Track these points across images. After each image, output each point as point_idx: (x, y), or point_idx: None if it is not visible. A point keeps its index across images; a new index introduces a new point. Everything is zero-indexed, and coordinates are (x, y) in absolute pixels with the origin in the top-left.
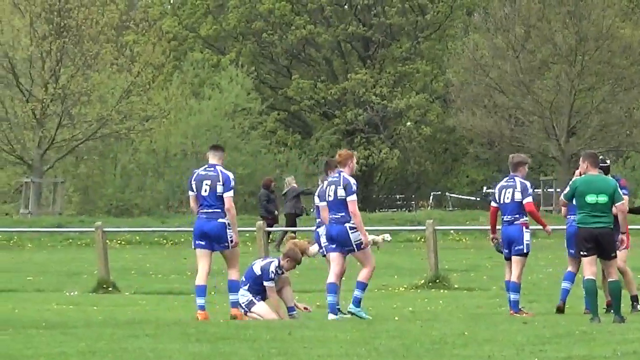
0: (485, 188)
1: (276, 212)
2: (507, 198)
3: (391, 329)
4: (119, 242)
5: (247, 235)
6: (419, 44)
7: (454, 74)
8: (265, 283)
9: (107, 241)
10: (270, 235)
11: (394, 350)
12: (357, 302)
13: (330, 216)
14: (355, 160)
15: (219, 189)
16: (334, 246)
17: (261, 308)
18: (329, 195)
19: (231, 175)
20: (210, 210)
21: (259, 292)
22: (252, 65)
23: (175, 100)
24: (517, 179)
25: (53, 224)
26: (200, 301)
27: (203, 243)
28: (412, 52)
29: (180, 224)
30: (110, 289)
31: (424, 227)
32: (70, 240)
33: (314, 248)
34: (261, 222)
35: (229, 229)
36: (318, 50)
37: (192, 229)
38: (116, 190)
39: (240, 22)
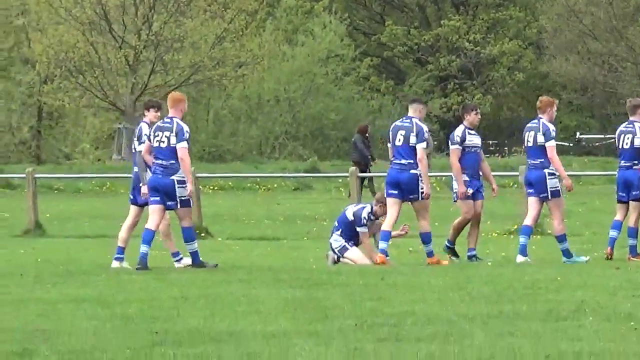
0: (578, 134)
1: (370, 158)
2: (627, 144)
3: (484, 274)
4: (211, 187)
5: (340, 180)
6: None
7: (548, 20)
8: (358, 229)
9: (200, 187)
10: (365, 181)
11: (487, 296)
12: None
13: (529, 162)
14: (555, 108)
15: (412, 139)
16: (531, 190)
17: (354, 253)
18: (527, 141)
19: (425, 127)
20: (403, 162)
21: (352, 237)
22: (345, 11)
23: (268, 46)
24: (637, 124)
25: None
26: (382, 245)
27: (395, 192)
28: None
29: (273, 170)
30: (203, 234)
31: (517, 173)
32: None
33: None
34: (354, 167)
35: (420, 180)
36: None
37: (283, 175)
38: (209, 137)
39: None
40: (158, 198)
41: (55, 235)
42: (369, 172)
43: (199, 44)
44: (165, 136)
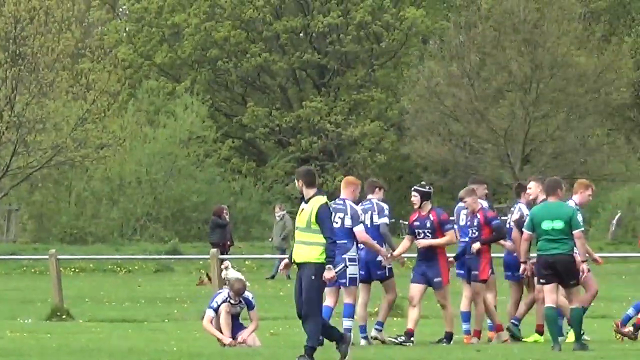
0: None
1: (227, 241)
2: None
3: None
4: (73, 269)
5: (201, 262)
6: (374, 71)
7: (409, 101)
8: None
9: (61, 269)
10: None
11: None
12: None
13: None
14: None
15: None
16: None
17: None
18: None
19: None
20: None
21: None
22: (207, 93)
23: (130, 128)
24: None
25: (7, 252)
26: (465, 326)
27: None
28: (367, 79)
29: (134, 252)
30: (64, 316)
31: None
32: (25, 268)
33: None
34: (215, 249)
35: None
36: (273, 78)
37: (144, 257)
38: (70, 218)
39: (195, 49)
40: None
41: None
42: (227, 254)
43: (61, 125)
44: (339, 217)
